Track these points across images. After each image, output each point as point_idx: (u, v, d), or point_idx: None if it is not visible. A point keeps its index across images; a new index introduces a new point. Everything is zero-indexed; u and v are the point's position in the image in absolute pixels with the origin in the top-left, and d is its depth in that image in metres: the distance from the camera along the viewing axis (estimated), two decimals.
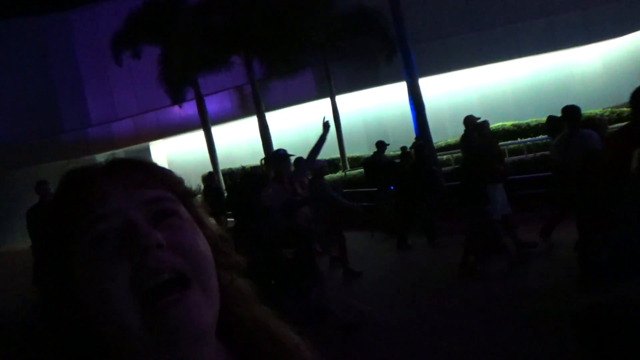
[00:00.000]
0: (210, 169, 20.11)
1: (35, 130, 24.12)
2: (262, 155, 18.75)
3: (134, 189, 0.55)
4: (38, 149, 23.65)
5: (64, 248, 0.53)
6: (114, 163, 0.59)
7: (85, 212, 0.52)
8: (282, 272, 3.57)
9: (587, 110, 17.52)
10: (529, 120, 18.40)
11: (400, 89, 16.66)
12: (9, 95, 24.57)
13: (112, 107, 25.27)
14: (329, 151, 20.76)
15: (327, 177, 15.88)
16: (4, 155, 23.24)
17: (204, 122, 19.81)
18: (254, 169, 6.90)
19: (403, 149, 10.16)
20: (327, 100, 18.82)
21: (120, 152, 26.75)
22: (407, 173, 8.27)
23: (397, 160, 9.96)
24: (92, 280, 0.50)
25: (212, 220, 0.61)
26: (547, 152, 11.30)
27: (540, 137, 15.17)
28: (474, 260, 5.72)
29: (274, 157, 5.65)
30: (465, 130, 6.98)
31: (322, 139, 5.39)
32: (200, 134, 20.84)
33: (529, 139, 16.19)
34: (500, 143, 17.70)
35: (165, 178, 0.58)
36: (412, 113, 12.20)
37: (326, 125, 5.36)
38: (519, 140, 17.40)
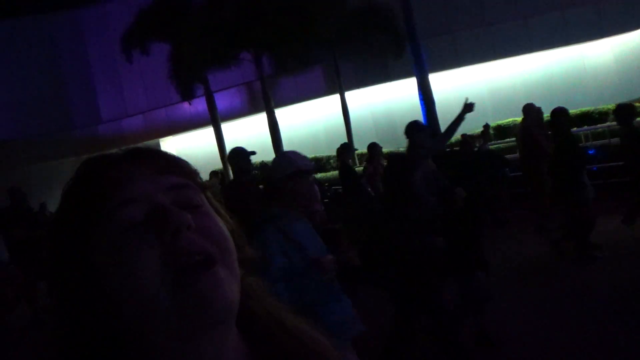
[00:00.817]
0: (220, 165, 20.20)
1: (46, 127, 24.35)
2: (272, 151, 18.80)
3: (159, 174, 0.55)
4: (49, 145, 23.87)
5: (86, 236, 0.52)
6: (135, 150, 0.59)
7: (110, 196, 0.52)
8: (441, 260, 3.48)
9: (599, 106, 17.37)
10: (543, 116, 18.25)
11: (409, 84, 16.61)
12: (20, 93, 24.81)
13: (123, 104, 25.43)
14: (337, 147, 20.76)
15: (337, 173, 15.79)
16: (16, 151, 23.50)
17: (214, 119, 19.87)
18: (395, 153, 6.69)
19: (463, 136, 9.77)
20: (337, 97, 18.79)
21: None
22: (468, 161, 7.68)
23: (456, 148, 9.48)
24: (120, 263, 0.50)
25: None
26: None
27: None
28: (578, 244, 5.67)
29: (411, 129, 4.88)
30: (553, 119, 6.64)
31: (459, 118, 5.06)
32: (209, 131, 20.91)
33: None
34: (509, 139, 17.71)
35: (186, 167, 0.59)
36: (422, 109, 12.15)
37: (468, 106, 5.03)
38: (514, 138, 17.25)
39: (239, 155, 5.35)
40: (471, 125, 17.72)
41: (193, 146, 25.54)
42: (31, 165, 22.46)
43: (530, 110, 6.68)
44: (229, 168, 19.04)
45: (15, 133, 24.24)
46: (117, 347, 0.51)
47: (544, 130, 6.88)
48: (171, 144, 26.32)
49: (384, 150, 10.07)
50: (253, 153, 5.34)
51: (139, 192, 0.53)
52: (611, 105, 17.16)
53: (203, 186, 0.60)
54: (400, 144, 11.38)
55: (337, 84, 18.42)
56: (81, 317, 0.52)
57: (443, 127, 12.51)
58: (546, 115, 18.28)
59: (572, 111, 17.33)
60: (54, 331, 0.53)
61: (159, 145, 26.08)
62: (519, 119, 19.13)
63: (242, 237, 0.61)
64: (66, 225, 0.54)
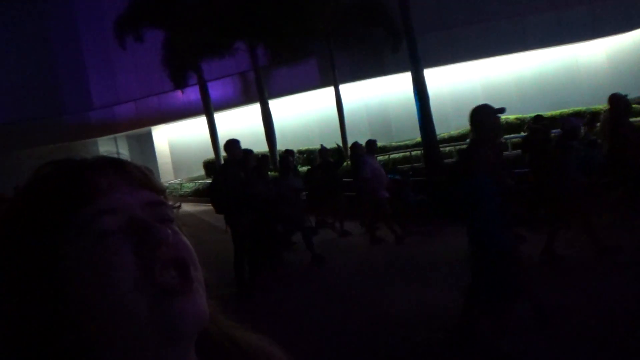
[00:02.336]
0: (212, 155, 20.12)
1: (37, 112, 24.11)
2: (264, 142, 18.75)
3: (137, 188, 0.54)
4: (40, 130, 23.65)
5: (51, 241, 0.49)
6: (115, 160, 0.56)
7: (88, 203, 0.50)
8: None
9: (591, 106, 17.47)
10: (532, 114, 18.33)
11: (404, 79, 16.60)
12: (12, 77, 24.53)
13: (115, 91, 25.21)
14: (331, 139, 20.74)
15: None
16: (7, 135, 23.26)
17: (207, 108, 19.76)
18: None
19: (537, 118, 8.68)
20: (331, 89, 18.75)
21: (122, 136, 26.77)
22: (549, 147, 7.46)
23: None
24: (93, 273, 0.48)
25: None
26: None
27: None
28: None
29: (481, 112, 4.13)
30: (617, 112, 6.51)
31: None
32: (202, 120, 20.81)
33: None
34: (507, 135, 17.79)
35: (158, 184, 0.58)
36: (416, 104, 12.15)
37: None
38: (522, 134, 17.35)
39: (234, 145, 6.04)
40: (466, 122, 17.60)
41: (185, 135, 25.42)
42: (22, 150, 22.24)
43: (618, 101, 6.46)
44: (221, 157, 18.96)
45: (6, 117, 23.98)
46: (72, 355, 0.49)
47: (629, 121, 6.71)
48: (163, 133, 26.18)
49: (379, 144, 10.14)
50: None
51: (118, 203, 0.51)
52: (604, 106, 17.28)
53: (172, 205, 0.59)
54: (393, 138, 11.39)
55: (332, 77, 18.36)
56: (32, 324, 0.49)
57: (436, 123, 12.56)
58: (537, 113, 18.31)
59: (564, 110, 17.54)
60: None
61: (150, 133, 25.95)
62: (512, 116, 19.33)
63: (197, 259, 0.59)
64: (29, 227, 0.50)
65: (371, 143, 8.43)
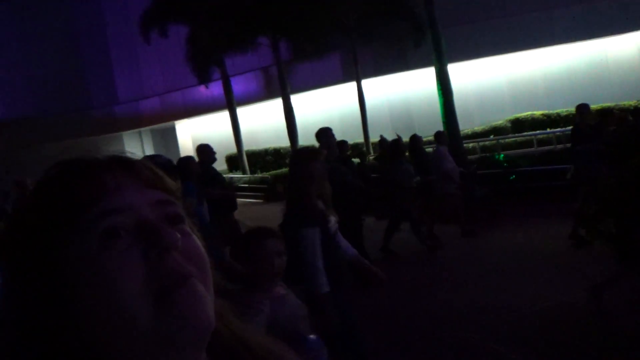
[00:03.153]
0: (235, 149, 20.26)
1: (64, 106, 24.61)
2: (286, 137, 18.78)
3: (145, 187, 0.53)
4: (67, 124, 24.13)
5: (58, 241, 0.48)
6: (122, 158, 0.55)
7: (94, 203, 0.49)
8: None
9: (620, 102, 17.03)
10: (559, 110, 17.98)
11: (427, 74, 16.42)
12: (41, 72, 25.07)
13: (140, 85, 25.56)
14: (353, 135, 20.67)
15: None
16: (35, 129, 23.80)
17: (230, 103, 19.88)
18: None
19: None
20: (353, 84, 18.66)
21: (146, 130, 27.15)
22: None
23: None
24: (97, 276, 0.47)
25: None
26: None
27: (571, 127, 14.78)
28: None
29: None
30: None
31: None
32: (225, 115, 20.95)
33: (559, 129, 15.82)
34: (528, 133, 17.47)
35: (169, 183, 0.57)
36: (440, 99, 12.01)
37: None
38: (548, 130, 17.03)
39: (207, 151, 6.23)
40: (490, 118, 17.53)
41: (208, 129, 25.64)
42: (49, 144, 22.73)
43: None
44: (243, 152, 19.06)
45: (34, 111, 24.55)
46: (76, 358, 0.48)
47: None
48: (186, 127, 26.45)
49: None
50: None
51: (125, 202, 0.50)
52: (633, 102, 16.82)
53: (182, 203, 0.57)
54: (415, 134, 11.24)
55: (355, 72, 18.27)
56: (35, 327, 0.48)
57: (461, 119, 12.39)
58: (564, 109, 17.86)
59: (592, 106, 17.10)
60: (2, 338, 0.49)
61: (174, 127, 26.24)
62: (538, 112, 18.96)
63: (210, 260, 0.58)
64: (36, 226, 0.49)
65: (442, 134, 7.98)
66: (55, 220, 0.49)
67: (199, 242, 0.54)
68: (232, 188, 9.36)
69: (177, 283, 0.48)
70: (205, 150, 6.29)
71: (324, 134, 5.79)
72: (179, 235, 0.49)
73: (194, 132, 26.52)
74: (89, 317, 0.47)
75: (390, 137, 8.54)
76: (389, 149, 7.53)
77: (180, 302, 0.47)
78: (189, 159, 5.47)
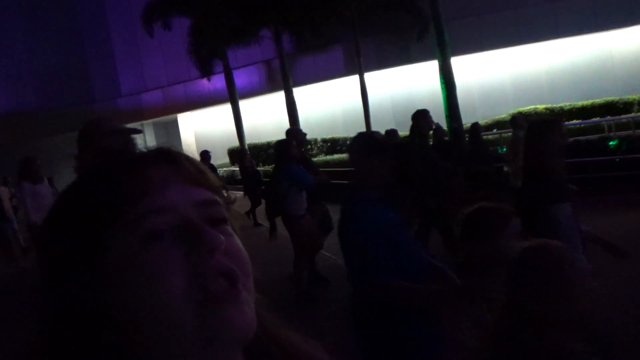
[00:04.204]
0: (237, 142, 20.25)
1: (68, 99, 24.62)
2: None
3: (189, 185, 0.51)
4: (71, 117, 24.14)
5: (100, 240, 0.47)
6: (169, 153, 0.53)
7: (138, 201, 0.48)
8: None
9: (624, 96, 16.96)
10: (562, 104, 17.90)
11: (431, 67, 16.36)
12: (43, 65, 25.06)
13: (142, 78, 25.54)
14: (355, 128, 20.64)
15: None
16: (38, 122, 23.84)
17: (232, 96, 19.85)
18: None
19: None
20: (356, 77, 18.62)
21: (149, 123, 27.16)
22: None
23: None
24: (140, 277, 0.46)
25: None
26: (579, 137, 11.00)
27: (574, 122, 14.74)
28: None
29: None
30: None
31: None
32: (227, 108, 20.93)
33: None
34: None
35: (214, 181, 0.56)
36: (443, 93, 11.98)
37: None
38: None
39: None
40: (493, 112, 17.44)
41: (210, 123, 25.64)
42: (52, 137, 22.77)
43: None
44: (245, 145, 19.08)
45: (37, 104, 24.57)
46: (111, 356, 0.48)
47: None
48: (189, 120, 26.45)
49: (401, 133, 9.67)
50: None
51: (169, 202, 0.49)
52: (638, 96, 16.75)
53: (227, 200, 0.57)
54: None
55: (357, 65, 18.22)
56: (72, 321, 0.48)
57: (464, 113, 12.37)
58: (567, 103, 17.79)
59: (596, 100, 17.07)
60: (43, 334, 0.49)
61: (176, 120, 26.23)
62: (541, 106, 18.93)
63: (247, 255, 0.58)
64: (79, 220, 0.48)
65: (517, 118, 7.79)
66: (98, 216, 0.48)
67: (240, 243, 0.53)
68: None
69: (222, 287, 0.47)
70: (298, 133, 6.05)
71: (424, 116, 5.60)
72: (222, 237, 0.48)
73: (196, 124, 26.52)
74: (128, 315, 0.47)
75: (381, 129, 8.53)
76: (471, 135, 7.40)
77: (225, 307, 0.47)
78: (288, 142, 5.33)
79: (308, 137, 6.50)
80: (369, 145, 2.30)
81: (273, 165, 6.11)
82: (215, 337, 0.47)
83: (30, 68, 25.20)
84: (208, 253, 0.47)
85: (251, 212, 10.22)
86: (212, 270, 0.47)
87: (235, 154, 20.45)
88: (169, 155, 0.53)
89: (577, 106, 17.22)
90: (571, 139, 11.33)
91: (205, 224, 0.49)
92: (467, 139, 7.78)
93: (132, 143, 1.75)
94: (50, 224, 0.51)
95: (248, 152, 10.58)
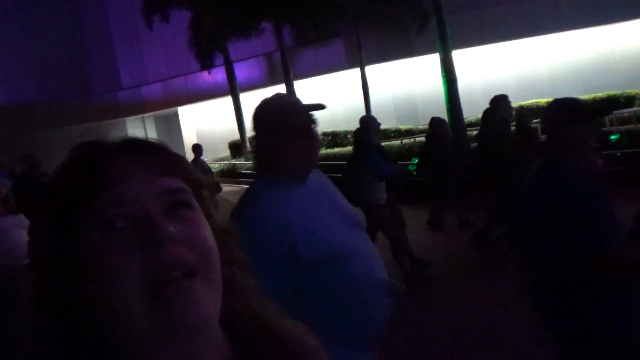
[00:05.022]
0: (238, 135, 20.23)
1: (68, 92, 24.57)
2: None
3: (151, 174, 0.52)
4: (70, 110, 24.11)
5: (69, 229, 0.50)
6: (131, 143, 0.54)
7: (97, 193, 0.49)
8: None
9: (626, 90, 16.90)
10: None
11: (432, 61, 16.29)
12: (43, 58, 24.97)
13: (142, 71, 25.47)
14: (356, 122, 20.59)
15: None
16: (38, 115, 23.80)
17: (232, 89, 19.81)
18: None
19: None
20: (357, 70, 18.56)
21: (149, 116, 27.12)
22: None
23: None
24: (99, 266, 0.48)
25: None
26: None
27: None
28: None
29: None
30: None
31: None
32: (228, 101, 20.89)
33: None
34: (533, 121, 17.35)
35: (182, 166, 0.56)
36: (444, 86, 11.94)
37: None
38: None
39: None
40: None
41: (211, 116, 25.59)
42: (52, 130, 22.74)
43: None
44: (246, 138, 19.04)
45: (37, 97, 24.51)
46: (94, 346, 0.50)
47: None
48: (189, 113, 26.41)
49: (402, 127, 9.69)
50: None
51: (129, 194, 0.50)
52: (639, 90, 16.69)
53: (199, 185, 0.57)
54: (419, 121, 11.24)
55: (358, 58, 18.15)
56: (59, 311, 0.50)
57: (465, 106, 12.32)
58: (587, 95, 17.69)
59: (598, 94, 17.01)
60: (34, 322, 0.52)
61: (177, 113, 26.19)
62: (543, 100, 18.91)
63: (235, 237, 0.59)
64: (52, 215, 0.51)
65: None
66: (65, 209, 0.50)
67: (206, 230, 0.52)
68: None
69: (171, 279, 0.47)
70: (375, 121, 5.67)
71: (504, 100, 5.53)
72: (172, 229, 0.48)
73: (197, 118, 26.48)
74: (95, 305, 0.49)
75: (388, 123, 8.51)
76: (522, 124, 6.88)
77: (173, 299, 0.47)
78: (369, 130, 5.12)
79: None
80: (573, 112, 2.08)
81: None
82: (168, 328, 0.47)
83: (30, 61, 25.12)
84: (158, 245, 0.48)
85: None
86: (164, 261, 0.47)
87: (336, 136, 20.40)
88: (136, 146, 0.54)
89: (585, 99, 17.18)
90: None
91: (167, 211, 0.50)
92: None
93: (313, 121, 1.66)
94: (36, 213, 0.53)
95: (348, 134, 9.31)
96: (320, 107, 1.74)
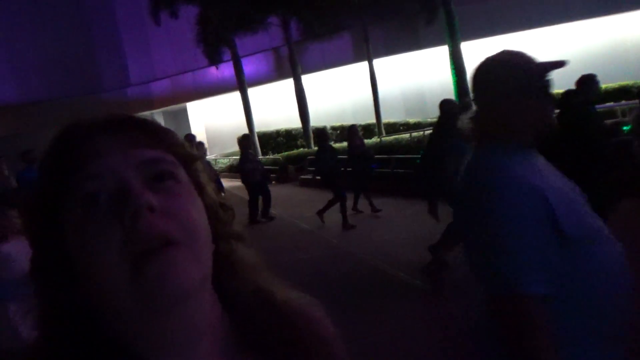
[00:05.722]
0: (246, 130, 20.26)
1: (77, 89, 24.74)
2: (297, 118, 18.71)
3: (131, 148, 0.52)
4: (79, 106, 24.26)
5: (54, 206, 0.51)
6: (112, 119, 0.55)
7: (77, 169, 0.51)
8: None
9: (639, 80, 16.69)
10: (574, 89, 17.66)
11: (440, 53, 16.21)
12: (53, 55, 25.15)
13: (151, 68, 25.57)
14: (364, 115, 20.55)
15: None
16: (48, 112, 23.99)
17: (240, 84, 19.83)
18: None
19: None
20: (365, 64, 18.49)
21: (158, 112, 27.24)
22: None
23: None
24: (81, 240, 0.49)
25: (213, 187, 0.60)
26: None
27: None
28: None
29: None
30: None
31: None
32: (236, 96, 20.92)
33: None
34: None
35: (167, 139, 0.56)
36: (453, 78, 11.87)
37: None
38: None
39: None
40: None
41: (219, 111, 25.65)
42: (61, 127, 22.92)
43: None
44: (255, 133, 19.06)
45: (47, 95, 24.70)
46: (88, 318, 0.52)
47: None
48: (198, 108, 26.49)
49: (410, 120, 9.65)
50: None
51: (105, 167, 0.50)
52: None
53: (189, 158, 0.57)
54: (427, 114, 11.20)
55: (366, 51, 18.08)
56: (51, 286, 0.52)
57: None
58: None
59: (609, 85, 16.83)
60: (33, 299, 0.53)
61: (186, 109, 26.27)
62: (554, 91, 18.57)
63: (231, 212, 0.59)
64: (38, 194, 0.53)
65: None
66: (49, 186, 0.52)
67: (189, 201, 0.52)
68: None
69: (149, 248, 0.47)
70: (452, 104, 5.24)
71: (593, 79, 5.12)
72: (148, 198, 0.48)
73: (205, 113, 26.56)
74: (82, 279, 0.50)
75: (397, 117, 8.47)
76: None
77: (151, 267, 0.47)
78: (451, 114, 4.71)
79: (316, 125, 6.42)
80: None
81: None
82: (147, 296, 0.47)
83: (39, 59, 25.31)
84: (135, 216, 0.48)
85: (366, 198, 8.39)
86: (142, 231, 0.48)
87: (345, 131, 20.50)
88: (116, 122, 0.55)
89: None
90: None
91: (147, 183, 0.50)
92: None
93: (548, 80, 1.45)
94: (27, 192, 0.55)
95: (359, 128, 9.03)
96: (559, 64, 1.51)
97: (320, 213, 7.93)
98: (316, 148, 8.42)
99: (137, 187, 0.49)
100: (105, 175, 0.50)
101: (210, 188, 0.58)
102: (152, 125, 0.56)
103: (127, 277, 0.47)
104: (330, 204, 7.94)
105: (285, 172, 14.65)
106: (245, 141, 9.20)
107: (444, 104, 5.19)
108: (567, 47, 19.56)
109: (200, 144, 8.66)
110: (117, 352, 0.51)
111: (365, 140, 16.90)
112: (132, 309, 0.49)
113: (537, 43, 19.73)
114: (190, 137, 8.25)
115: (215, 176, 7.74)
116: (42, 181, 0.53)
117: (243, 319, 0.58)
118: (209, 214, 0.55)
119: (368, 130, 20.17)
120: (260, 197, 9.10)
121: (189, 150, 0.57)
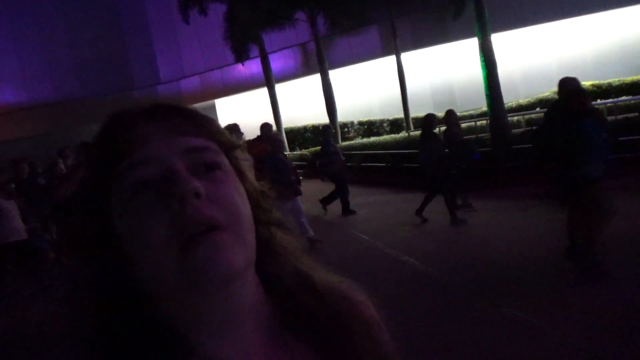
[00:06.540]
0: (274, 127, 20.37)
1: (109, 88, 25.30)
2: (324, 114, 18.70)
3: (176, 135, 0.54)
4: (112, 105, 24.67)
5: (102, 191, 0.53)
6: (157, 107, 0.56)
7: (124, 156, 0.52)
8: None
9: None
10: (610, 80, 17.12)
11: (470, 45, 15.92)
12: (85, 55, 25.80)
13: (180, 65, 25.95)
14: (392, 109, 20.39)
15: (390, 137, 15.58)
16: (81, 110, 24.63)
17: (268, 80, 19.93)
18: None
19: None
20: (393, 58, 18.33)
21: None
22: None
23: None
24: (131, 226, 0.50)
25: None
26: (629, 115, 10.50)
27: (624, 98, 14.08)
28: None
29: None
30: None
31: None
32: (264, 92, 21.04)
33: (610, 100, 15.09)
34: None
35: (209, 127, 0.57)
36: (483, 71, 11.64)
37: None
38: (599, 101, 16.30)
39: None
40: (535, 90, 16.90)
41: (247, 107, 25.84)
42: (95, 124, 23.40)
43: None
44: (282, 129, 19.13)
45: (80, 93, 25.36)
46: (135, 302, 0.53)
47: None
48: (226, 105, 26.75)
49: (439, 114, 9.34)
50: None
51: (151, 154, 0.52)
52: None
53: (231, 146, 0.58)
54: (457, 107, 11.01)
55: (393, 45, 17.91)
56: (99, 273, 0.53)
57: (505, 92, 11.99)
58: (615, 79, 16.93)
59: None
60: (74, 286, 0.55)
61: (214, 106, 26.56)
62: (588, 83, 18.23)
63: (270, 199, 0.61)
64: (87, 183, 0.54)
65: None
66: (96, 174, 0.53)
67: (233, 188, 0.54)
68: None
69: (197, 232, 0.49)
70: (573, 82, 4.99)
71: (564, 82, 4.93)
72: (196, 184, 0.50)
73: (233, 110, 26.81)
74: (131, 262, 0.51)
75: (425, 111, 8.29)
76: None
77: (199, 250, 0.48)
78: (575, 94, 4.49)
79: (344, 120, 6.29)
80: None
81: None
82: (194, 278, 0.49)
83: (73, 58, 25.97)
84: (182, 201, 0.49)
85: (462, 193, 7.73)
86: (190, 216, 0.49)
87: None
88: (161, 110, 0.56)
89: (626, 82, 16.45)
90: (620, 117, 10.84)
91: (192, 170, 0.52)
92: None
93: None
94: (76, 180, 0.58)
95: (455, 112, 8.24)
96: None
97: (419, 212, 7.30)
98: (420, 136, 7.67)
99: (183, 174, 0.50)
100: (152, 161, 0.51)
101: (251, 175, 0.59)
102: (195, 114, 0.57)
103: (175, 260, 0.49)
104: (427, 200, 7.30)
105: (313, 168, 14.70)
106: (326, 132, 9.35)
107: (565, 83, 4.89)
108: (602, 38, 18.96)
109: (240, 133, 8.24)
110: (162, 333, 0.52)
111: (393, 136, 16.81)
112: (179, 291, 0.50)
113: (570, 33, 19.19)
114: (234, 127, 8.06)
115: (295, 175, 7.39)
116: (89, 168, 0.54)
117: (284, 301, 0.59)
118: (250, 200, 0.56)
119: (396, 124, 20.02)
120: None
121: (230, 138, 0.58)
